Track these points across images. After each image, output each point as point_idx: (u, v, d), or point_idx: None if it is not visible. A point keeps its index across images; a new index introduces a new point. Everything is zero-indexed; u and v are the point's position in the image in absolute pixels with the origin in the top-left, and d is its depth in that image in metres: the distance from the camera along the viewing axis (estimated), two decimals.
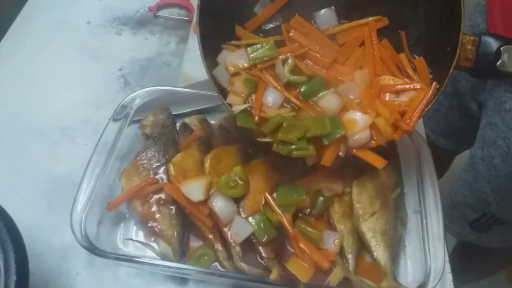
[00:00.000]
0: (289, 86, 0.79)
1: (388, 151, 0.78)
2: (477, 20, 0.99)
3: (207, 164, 0.84)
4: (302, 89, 0.78)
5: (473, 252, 1.37)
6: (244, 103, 0.77)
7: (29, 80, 1.10)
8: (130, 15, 1.26)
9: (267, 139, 0.76)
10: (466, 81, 1.09)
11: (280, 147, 0.74)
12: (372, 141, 0.75)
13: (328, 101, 0.77)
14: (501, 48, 0.72)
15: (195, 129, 0.90)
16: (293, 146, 0.73)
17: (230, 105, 0.78)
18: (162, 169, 0.84)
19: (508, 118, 0.88)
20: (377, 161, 0.76)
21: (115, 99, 1.01)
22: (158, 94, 0.96)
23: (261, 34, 0.84)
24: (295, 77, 0.78)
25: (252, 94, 0.78)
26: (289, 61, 0.78)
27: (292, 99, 0.77)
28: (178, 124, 0.95)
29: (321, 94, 0.77)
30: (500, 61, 0.72)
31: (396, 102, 0.77)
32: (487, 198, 1.02)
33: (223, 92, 0.79)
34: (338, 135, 0.73)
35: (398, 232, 0.84)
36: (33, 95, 1.07)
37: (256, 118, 0.76)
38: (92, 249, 0.75)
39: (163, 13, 1.27)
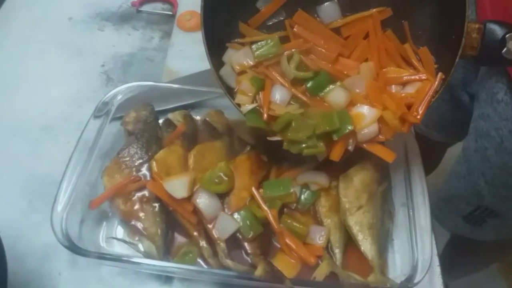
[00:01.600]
0: (295, 82, 0.78)
1: None
2: None
3: (191, 160, 0.82)
4: (308, 85, 0.77)
5: (466, 246, 1.38)
6: (252, 102, 0.77)
7: (9, 79, 1.08)
8: (113, 11, 1.24)
9: (276, 138, 0.75)
10: (457, 73, 1.08)
11: (290, 145, 0.74)
12: (380, 136, 0.75)
13: (335, 95, 0.77)
14: (506, 35, 0.71)
15: (179, 124, 0.88)
16: (303, 145, 0.73)
17: (239, 105, 0.77)
18: (145, 166, 0.83)
19: (500, 109, 0.88)
20: (387, 155, 0.77)
21: (97, 96, 0.98)
22: (141, 90, 0.94)
23: (264, 30, 0.83)
24: (301, 73, 0.77)
25: (260, 92, 0.77)
26: (295, 57, 0.78)
27: (300, 95, 0.77)
28: (161, 121, 0.93)
29: (327, 89, 0.77)
30: (505, 48, 0.71)
31: (403, 94, 0.77)
32: (481, 191, 1.01)
33: (231, 92, 0.78)
34: (347, 130, 0.73)
35: (386, 226, 0.83)
36: (13, 93, 1.05)
37: (265, 116, 0.75)
38: (74, 248, 0.73)
39: (146, 8, 1.26)
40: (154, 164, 0.81)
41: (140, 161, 0.83)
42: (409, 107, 0.76)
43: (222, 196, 0.80)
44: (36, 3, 1.24)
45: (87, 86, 1.07)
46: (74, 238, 0.75)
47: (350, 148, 0.76)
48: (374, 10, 0.80)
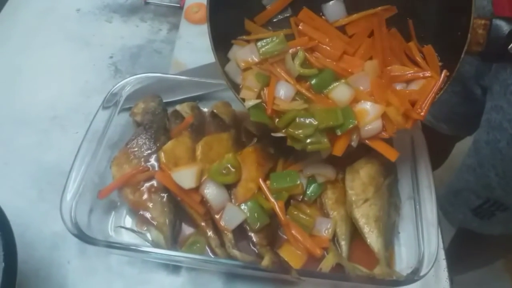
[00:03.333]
0: (300, 79, 0.78)
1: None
2: (481, 1, 0.98)
3: (198, 152, 0.83)
4: (313, 82, 0.78)
5: (472, 242, 1.38)
6: (257, 97, 0.77)
7: (18, 70, 1.09)
8: (121, 2, 1.25)
9: (280, 134, 0.76)
10: (470, 65, 1.07)
11: (293, 142, 0.74)
12: (383, 133, 0.76)
13: (339, 92, 0.77)
14: None
15: (187, 116, 0.89)
16: (308, 141, 0.73)
17: (243, 100, 0.77)
18: (153, 157, 0.83)
19: None
20: (390, 153, 0.77)
21: (106, 87, 0.99)
22: (149, 81, 0.94)
23: (270, 28, 0.83)
24: (306, 70, 0.77)
25: (265, 88, 0.77)
26: (299, 54, 0.78)
27: (304, 91, 0.77)
28: (169, 112, 0.94)
29: (332, 86, 0.77)
30: (511, 44, 0.71)
31: (407, 92, 0.77)
32: (491, 183, 1.01)
33: (236, 88, 0.79)
34: (351, 126, 0.73)
35: (392, 219, 0.83)
36: (22, 84, 1.06)
37: (269, 111, 0.75)
38: (83, 237, 0.74)
39: (154, 0, 1.26)
40: (162, 154, 0.82)
41: (149, 151, 0.84)
42: (413, 104, 0.76)
43: (229, 187, 0.80)
44: None
45: (95, 77, 1.07)
46: (83, 227, 0.75)
47: (354, 144, 0.76)
48: (379, 8, 0.80)
